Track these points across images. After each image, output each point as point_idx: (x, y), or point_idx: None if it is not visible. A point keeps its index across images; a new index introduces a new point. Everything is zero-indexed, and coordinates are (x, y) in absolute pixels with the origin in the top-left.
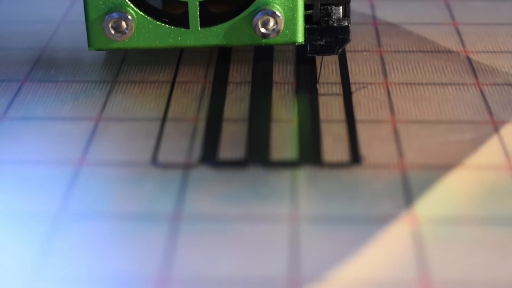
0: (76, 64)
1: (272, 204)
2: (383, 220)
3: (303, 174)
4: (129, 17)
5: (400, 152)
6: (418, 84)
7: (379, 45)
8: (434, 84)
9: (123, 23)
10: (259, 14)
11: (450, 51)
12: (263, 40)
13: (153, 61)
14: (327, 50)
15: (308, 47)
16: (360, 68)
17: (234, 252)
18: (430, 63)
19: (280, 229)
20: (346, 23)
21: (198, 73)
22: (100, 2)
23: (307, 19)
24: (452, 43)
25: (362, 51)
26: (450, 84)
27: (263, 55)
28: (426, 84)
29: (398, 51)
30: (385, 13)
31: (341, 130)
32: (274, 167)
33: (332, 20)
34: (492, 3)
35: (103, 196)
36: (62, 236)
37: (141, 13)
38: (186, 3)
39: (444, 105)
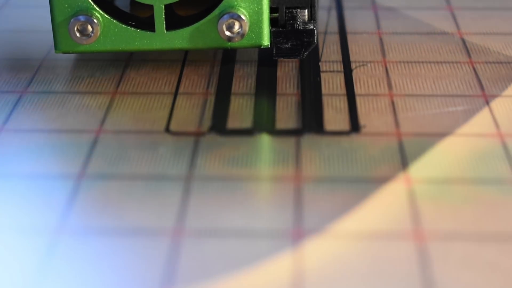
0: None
1: (277, 167)
2: (380, 181)
3: (306, 140)
4: (95, 20)
5: (396, 122)
6: (415, 62)
7: (378, 28)
8: (430, 62)
9: (89, 26)
10: (224, 17)
11: (445, 33)
12: (229, 43)
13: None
14: (292, 53)
15: (274, 50)
16: (360, 48)
17: (242, 208)
18: (426, 44)
19: (285, 188)
20: (312, 26)
21: (208, 53)
22: (66, 5)
23: (273, 22)
24: (447, 26)
25: (362, 33)
26: (445, 62)
27: None
28: (422, 62)
29: (396, 33)
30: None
31: (342, 103)
32: (279, 135)
33: (297, 23)
34: None
35: (121, 159)
36: (84, 195)
37: (107, 16)
38: (152, 5)
39: (439, 81)
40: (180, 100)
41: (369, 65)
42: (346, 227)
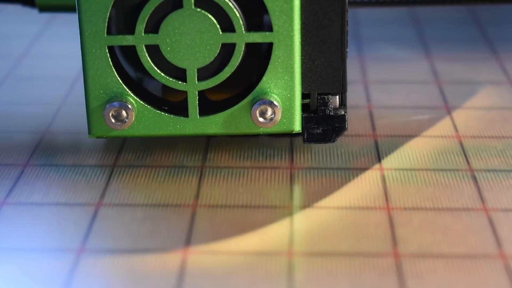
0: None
1: (275, 160)
2: (358, 169)
3: (298, 140)
4: (129, 106)
5: (373, 127)
6: (391, 81)
7: (360, 53)
8: (401, 82)
9: (124, 112)
10: (257, 103)
11: (416, 59)
12: (261, 129)
13: None
14: (324, 138)
15: (305, 136)
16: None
17: (247, 188)
18: (401, 68)
19: (281, 173)
20: (343, 112)
21: None
22: (101, 91)
23: (304, 108)
24: (419, 54)
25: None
26: (415, 82)
27: None
28: (397, 82)
29: (378, 59)
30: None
31: None
32: (277, 136)
33: (328, 109)
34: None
35: (146, 152)
36: (116, 183)
37: (141, 101)
38: (186, 91)
39: (409, 95)
40: None
41: (351, 84)
42: (330, 203)
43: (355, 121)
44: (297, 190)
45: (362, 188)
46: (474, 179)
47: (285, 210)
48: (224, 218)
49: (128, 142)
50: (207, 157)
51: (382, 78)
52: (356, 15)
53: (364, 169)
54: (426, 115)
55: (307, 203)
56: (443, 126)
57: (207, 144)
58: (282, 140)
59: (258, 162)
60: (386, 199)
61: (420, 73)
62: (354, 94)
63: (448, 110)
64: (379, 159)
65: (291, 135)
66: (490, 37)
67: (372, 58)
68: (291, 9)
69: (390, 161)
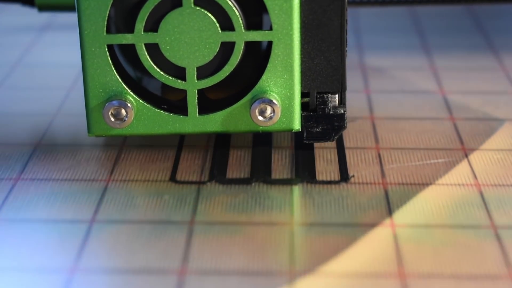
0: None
1: (273, 213)
2: (367, 225)
3: (299, 189)
4: (129, 104)
5: (382, 173)
6: (400, 118)
7: (366, 87)
8: (414, 118)
9: (123, 111)
10: (257, 102)
11: (428, 92)
12: (260, 127)
13: None
14: (323, 137)
15: (305, 134)
16: (349, 105)
17: (241, 250)
18: (410, 102)
19: (280, 232)
20: (342, 111)
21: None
22: (101, 90)
23: (304, 106)
24: (430, 85)
25: (351, 91)
26: (428, 118)
27: None
28: (407, 118)
29: (383, 91)
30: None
31: (332, 155)
32: (275, 184)
33: (328, 107)
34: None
35: (128, 206)
36: (96, 239)
37: (140, 100)
38: (185, 89)
39: (422, 135)
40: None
41: (357, 121)
42: (336, 268)
43: (362, 165)
44: (299, 252)
45: (371, 249)
46: (498, 238)
47: (284, 277)
48: (215, 287)
49: (110, 190)
50: (197, 208)
51: (390, 113)
52: (360, 43)
53: (373, 225)
54: (441, 159)
55: (310, 268)
56: (460, 172)
57: (197, 194)
58: (281, 189)
59: (254, 216)
60: (399, 263)
61: (432, 107)
62: (360, 133)
63: (465, 152)
64: (390, 212)
65: (289, 182)
66: (507, 68)
67: (378, 90)
68: (291, 7)
69: (403, 215)
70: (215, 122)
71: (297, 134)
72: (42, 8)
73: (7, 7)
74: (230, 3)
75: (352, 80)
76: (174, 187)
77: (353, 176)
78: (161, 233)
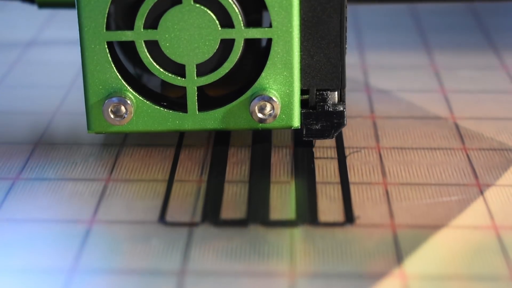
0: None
1: (271, 261)
2: (375, 276)
3: (300, 233)
4: (128, 101)
5: (391, 213)
6: (408, 148)
7: (372, 111)
8: (423, 148)
9: (122, 108)
10: (256, 99)
11: (438, 118)
12: (260, 125)
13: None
14: (322, 134)
15: (304, 131)
16: (354, 133)
17: None
18: (419, 128)
19: (279, 285)
20: (342, 108)
21: (202, 138)
22: (100, 87)
23: (303, 103)
24: (440, 110)
25: (355, 117)
26: (438, 148)
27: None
28: (416, 148)
29: (390, 117)
30: (377, 81)
31: (336, 191)
32: (273, 226)
33: (327, 105)
34: (479, 72)
35: (113, 253)
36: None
37: (140, 97)
38: (185, 87)
39: (433, 168)
40: (174, 187)
41: (363, 151)
42: None
43: (368, 203)
44: None
45: None
46: None
47: None
48: None
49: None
50: (190, 255)
51: (397, 143)
52: (364, 62)
53: (381, 275)
54: (454, 196)
55: None
56: (475, 212)
57: (189, 238)
58: (280, 232)
59: (250, 264)
60: None
61: (443, 136)
62: (366, 165)
63: (480, 188)
64: (399, 259)
65: (289, 224)
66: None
67: (383, 115)
68: (290, 4)
69: (413, 264)
70: (214, 119)
71: (297, 133)
72: (42, 5)
73: (7, 4)
74: (229, 0)
75: (356, 104)
76: (163, 228)
77: (359, 217)
78: (148, 285)
